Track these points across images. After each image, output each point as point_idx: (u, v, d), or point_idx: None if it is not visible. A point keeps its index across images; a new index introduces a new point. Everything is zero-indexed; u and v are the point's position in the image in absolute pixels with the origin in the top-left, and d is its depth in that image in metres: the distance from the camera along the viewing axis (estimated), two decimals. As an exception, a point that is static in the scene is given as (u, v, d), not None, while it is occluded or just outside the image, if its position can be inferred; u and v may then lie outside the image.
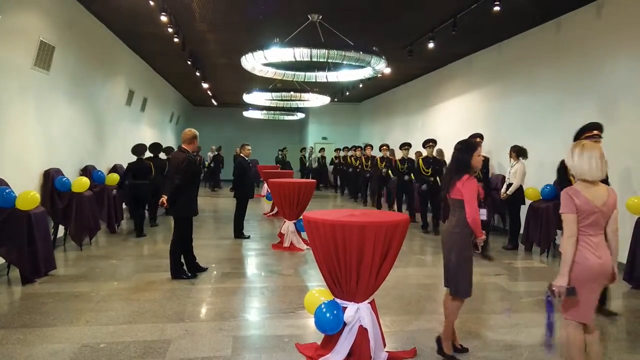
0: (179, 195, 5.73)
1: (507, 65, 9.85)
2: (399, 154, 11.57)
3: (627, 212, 5.91)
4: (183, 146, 6.01)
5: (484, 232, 3.67)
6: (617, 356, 3.87)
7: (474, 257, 3.83)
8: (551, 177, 6.54)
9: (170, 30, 8.49)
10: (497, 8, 6.90)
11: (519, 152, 7.85)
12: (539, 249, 7.52)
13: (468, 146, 3.75)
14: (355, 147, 15.91)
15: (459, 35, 8.48)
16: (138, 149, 9.07)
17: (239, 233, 8.67)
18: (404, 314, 4.77)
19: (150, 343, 3.94)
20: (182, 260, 5.99)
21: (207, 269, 6.30)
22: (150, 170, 8.96)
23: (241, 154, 9.09)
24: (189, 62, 11.33)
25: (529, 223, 7.66)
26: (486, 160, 7.58)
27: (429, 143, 9.69)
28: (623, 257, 6.01)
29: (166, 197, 5.74)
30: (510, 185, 7.87)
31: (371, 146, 14.71)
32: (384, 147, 12.70)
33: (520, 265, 7.04)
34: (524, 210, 7.90)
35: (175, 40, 9.05)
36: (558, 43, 8.27)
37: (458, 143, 3.76)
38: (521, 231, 7.98)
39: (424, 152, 9.91)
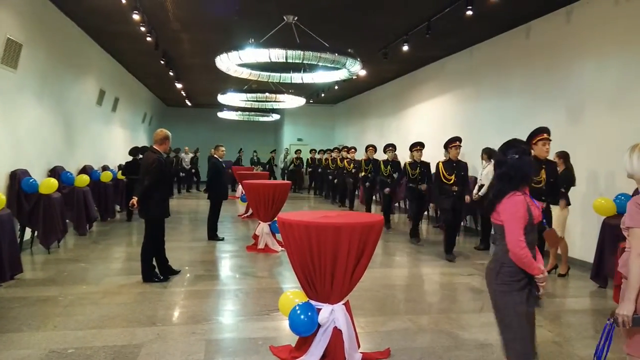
0: (150, 196, 5.63)
1: (479, 69, 10.03)
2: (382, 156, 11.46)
3: (594, 213, 6.08)
4: (154, 147, 5.90)
5: (541, 268, 2.70)
6: None
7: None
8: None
9: (142, 29, 8.36)
10: (469, 12, 7.01)
11: (490, 154, 7.99)
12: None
13: (524, 150, 2.78)
14: (342, 148, 15.26)
15: (433, 39, 8.60)
16: (132, 151, 10.74)
17: (212, 235, 8.58)
18: (379, 315, 4.79)
19: (120, 348, 3.85)
20: (154, 262, 5.89)
21: (179, 271, 6.21)
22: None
23: (215, 155, 9.00)
24: (162, 62, 11.17)
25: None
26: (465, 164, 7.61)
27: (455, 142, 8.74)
28: (590, 257, 6.19)
29: (136, 198, 5.64)
30: (482, 186, 8.01)
31: (355, 148, 13.70)
32: (390, 149, 10.61)
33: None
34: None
35: (148, 39, 8.91)
36: (528, 47, 8.46)
37: (509, 146, 2.79)
38: (492, 231, 8.12)
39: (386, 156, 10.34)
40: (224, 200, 8.82)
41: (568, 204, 6.33)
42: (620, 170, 6.44)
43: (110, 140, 13.43)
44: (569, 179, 6.33)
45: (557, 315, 4.89)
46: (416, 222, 8.78)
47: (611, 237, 5.76)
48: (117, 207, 11.47)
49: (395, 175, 10.15)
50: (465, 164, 7.59)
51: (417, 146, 9.02)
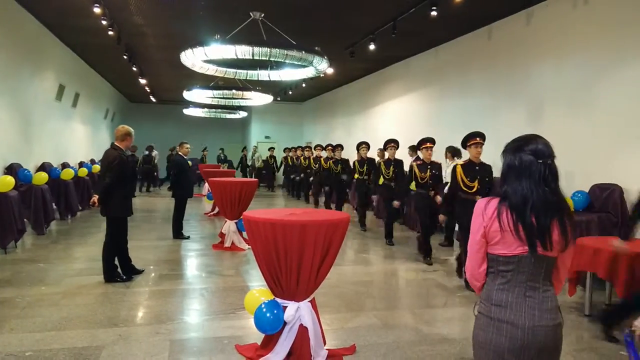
0: (111, 194, 5.50)
1: (443, 69, 10.22)
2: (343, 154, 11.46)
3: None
4: (116, 143, 5.76)
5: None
6: None
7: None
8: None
9: (104, 22, 8.13)
10: (434, 13, 7.14)
11: (453, 153, 8.16)
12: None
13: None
14: (324, 146, 13.54)
15: (399, 39, 8.70)
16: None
17: (178, 233, 8.44)
18: (345, 312, 4.83)
19: (80, 350, 3.75)
20: (116, 262, 5.76)
21: (143, 271, 6.09)
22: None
23: (179, 153, 8.84)
24: (125, 57, 10.90)
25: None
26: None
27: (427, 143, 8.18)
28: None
29: (97, 196, 5.50)
30: (446, 184, 8.15)
31: (341, 146, 11.40)
32: (391, 145, 8.97)
33: (455, 262, 7.30)
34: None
35: (110, 33, 8.68)
36: (490, 48, 8.67)
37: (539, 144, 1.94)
38: (456, 228, 8.29)
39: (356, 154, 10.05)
40: (188, 198, 8.67)
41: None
42: (577, 169, 6.71)
43: (71, 137, 13.03)
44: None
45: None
46: (427, 237, 7.21)
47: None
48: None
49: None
50: (440, 164, 7.35)
51: (392, 143, 8.52)
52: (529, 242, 1.85)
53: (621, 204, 5.94)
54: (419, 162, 7.26)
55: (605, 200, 6.14)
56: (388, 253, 7.78)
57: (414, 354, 3.83)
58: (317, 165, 12.70)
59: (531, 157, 1.88)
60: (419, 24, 8.30)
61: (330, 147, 12.20)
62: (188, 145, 8.88)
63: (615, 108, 6.16)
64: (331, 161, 11.14)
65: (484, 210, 1.95)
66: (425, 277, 6.29)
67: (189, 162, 8.98)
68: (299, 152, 16.04)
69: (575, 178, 6.63)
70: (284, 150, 18.43)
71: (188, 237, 8.45)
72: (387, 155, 8.71)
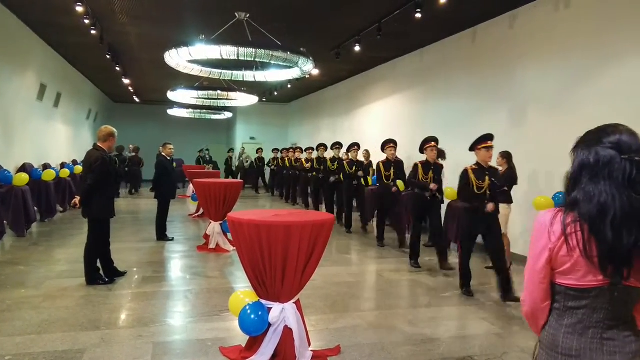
0: (93, 196, 5.42)
1: (428, 71, 10.29)
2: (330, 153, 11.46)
3: (534, 211, 6.36)
4: (98, 144, 5.69)
5: None
6: None
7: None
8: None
9: (86, 21, 8.03)
10: (418, 15, 7.18)
11: (439, 154, 8.20)
12: (457, 246, 7.90)
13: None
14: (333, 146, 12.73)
15: (384, 40, 8.74)
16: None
17: (161, 235, 8.37)
18: (329, 313, 4.83)
19: (61, 353, 3.69)
20: (99, 264, 5.68)
21: (126, 273, 6.02)
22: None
23: (163, 153, 8.74)
24: (108, 56, 10.77)
25: (447, 221, 8.03)
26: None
27: (390, 144, 8.51)
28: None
29: (79, 198, 5.42)
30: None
31: (357, 145, 10.31)
32: (390, 145, 8.65)
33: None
34: (443, 209, 8.26)
35: (93, 32, 8.57)
36: (474, 51, 8.76)
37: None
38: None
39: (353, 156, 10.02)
40: (171, 199, 8.59)
41: (510, 202, 6.60)
42: (558, 170, 6.80)
43: (53, 137, 12.83)
44: (511, 178, 6.59)
45: (500, 309, 5.09)
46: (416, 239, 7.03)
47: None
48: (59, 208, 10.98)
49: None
50: (442, 166, 7.22)
51: (391, 143, 8.24)
52: (606, 267, 1.38)
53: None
54: (422, 162, 7.04)
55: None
56: (372, 254, 7.81)
57: (399, 355, 3.84)
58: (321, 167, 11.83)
59: (612, 151, 1.41)
60: (404, 25, 8.34)
61: (336, 146, 11.12)
62: (171, 146, 8.78)
63: (596, 110, 6.26)
64: (345, 162, 10.10)
65: (550, 227, 1.46)
66: (410, 278, 6.32)
67: (174, 164, 8.92)
68: (290, 154, 15.40)
69: (556, 179, 6.72)
70: (273, 151, 18.29)
71: (172, 239, 8.38)
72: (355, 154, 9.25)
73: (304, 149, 14.54)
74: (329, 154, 11.57)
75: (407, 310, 5.02)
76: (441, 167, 7.20)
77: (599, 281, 1.41)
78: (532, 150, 7.12)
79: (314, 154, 12.67)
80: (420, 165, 7.01)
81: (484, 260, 6.93)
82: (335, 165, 10.55)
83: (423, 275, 6.42)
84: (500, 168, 6.54)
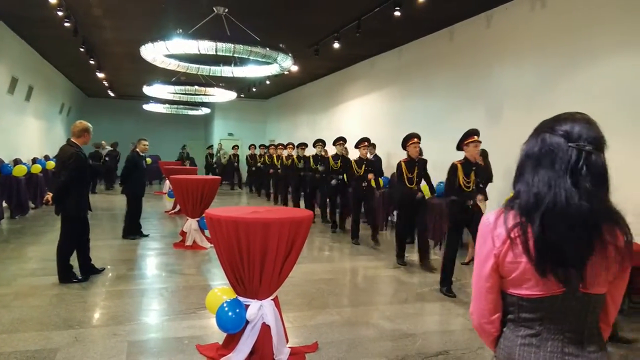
0: (66, 193, 5.30)
1: (406, 69, 10.36)
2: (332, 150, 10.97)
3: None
4: (72, 140, 5.56)
5: None
6: None
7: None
8: (444, 175, 6.96)
9: (60, 13, 7.83)
10: (397, 13, 7.23)
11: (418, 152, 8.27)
12: (433, 242, 8.00)
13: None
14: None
15: (363, 38, 8.77)
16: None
17: (130, 232, 8.13)
18: (307, 309, 4.83)
19: (34, 353, 3.61)
20: (76, 261, 5.57)
21: (103, 269, 5.94)
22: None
23: (137, 149, 8.43)
24: (82, 50, 10.54)
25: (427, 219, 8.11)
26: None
27: (364, 142, 8.57)
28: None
29: (51, 194, 5.30)
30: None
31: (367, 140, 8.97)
32: (364, 144, 8.64)
33: (415, 258, 7.43)
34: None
35: (66, 24, 8.36)
36: (451, 49, 8.85)
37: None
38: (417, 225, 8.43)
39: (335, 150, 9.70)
40: (140, 196, 8.30)
41: (486, 198, 6.69)
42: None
43: (24, 132, 12.50)
44: (487, 175, 6.70)
45: (476, 304, 5.16)
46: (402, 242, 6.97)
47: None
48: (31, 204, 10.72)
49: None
50: (425, 160, 7.11)
51: (415, 139, 7.57)
52: (543, 269, 1.22)
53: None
54: (406, 160, 6.95)
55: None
56: (350, 251, 7.84)
57: (376, 350, 3.87)
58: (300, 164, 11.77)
59: (560, 139, 1.26)
60: (383, 23, 8.37)
61: (340, 141, 10.11)
62: (146, 142, 8.53)
63: (569, 108, 6.28)
64: (353, 161, 8.86)
65: (494, 230, 1.31)
66: (387, 274, 6.37)
67: (148, 160, 8.79)
68: (271, 150, 14.73)
69: (531, 177, 6.84)
70: (257, 147, 18.11)
71: (147, 235, 8.27)
72: (335, 151, 9.02)
73: (285, 144, 13.70)
74: (324, 151, 11.05)
75: (384, 306, 5.06)
76: (425, 161, 6.99)
77: (552, 290, 1.24)
78: (508, 147, 7.18)
79: (294, 152, 12.13)
80: (403, 163, 6.82)
81: (459, 256, 7.01)
82: (339, 164, 9.27)
83: (401, 272, 6.48)
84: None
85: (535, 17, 6.98)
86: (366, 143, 8.45)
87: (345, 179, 9.10)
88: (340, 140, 9.32)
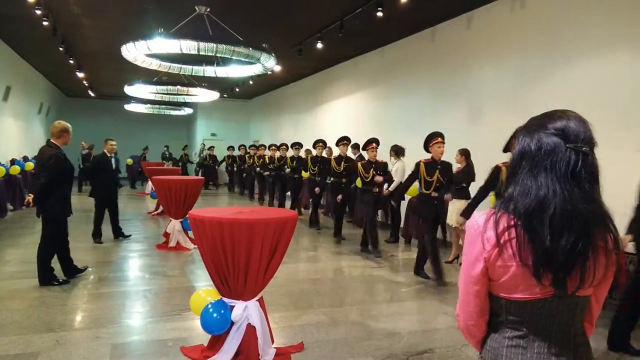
0: (47, 194, 5.21)
1: (389, 69, 10.42)
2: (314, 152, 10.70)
3: (490, 206, 6.54)
4: (52, 140, 5.47)
5: None
6: None
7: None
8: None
9: (38, 12, 7.70)
10: (380, 14, 7.27)
11: (397, 151, 8.35)
12: (417, 242, 8.06)
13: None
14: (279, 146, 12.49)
15: (346, 38, 8.79)
16: None
17: (93, 235, 7.77)
18: (292, 310, 4.83)
19: (14, 357, 3.54)
20: (60, 263, 5.49)
21: (86, 268, 5.89)
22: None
23: (104, 150, 7.89)
24: (61, 49, 10.37)
25: (408, 217, 8.18)
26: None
27: (343, 141, 8.86)
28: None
29: (32, 196, 5.21)
30: (393, 181, 8.33)
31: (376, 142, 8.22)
32: (342, 144, 8.90)
33: (400, 257, 7.49)
34: (403, 206, 8.42)
35: (45, 23, 8.22)
36: (433, 50, 8.93)
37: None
38: (401, 225, 8.50)
39: (314, 152, 9.90)
40: (104, 200, 7.75)
41: (468, 198, 6.77)
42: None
43: (2, 133, 12.25)
44: (469, 174, 6.78)
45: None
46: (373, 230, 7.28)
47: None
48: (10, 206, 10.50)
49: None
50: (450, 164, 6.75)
51: (438, 137, 7.49)
52: (540, 274, 1.20)
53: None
54: (363, 162, 7.38)
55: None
56: (335, 250, 7.85)
57: (361, 349, 3.89)
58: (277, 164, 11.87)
59: (557, 139, 1.23)
60: (365, 24, 8.40)
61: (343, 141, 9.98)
62: (114, 142, 7.98)
63: (548, 109, 6.45)
64: (360, 164, 8.08)
65: (484, 232, 1.27)
66: (371, 274, 6.40)
67: (129, 160, 8.66)
68: (272, 152, 12.97)
69: (512, 176, 6.94)
70: (228, 149, 18.04)
71: (129, 236, 8.16)
72: (321, 151, 9.06)
73: (267, 145, 13.79)
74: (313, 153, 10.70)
75: (369, 305, 5.08)
76: (450, 165, 6.35)
77: (541, 293, 1.23)
78: (489, 147, 7.31)
79: (289, 152, 11.67)
80: (423, 164, 6.06)
81: (443, 254, 7.08)
82: (342, 166, 8.64)
83: (385, 271, 6.51)
84: (459, 165, 6.74)
85: (514, 19, 7.08)
86: (374, 144, 7.61)
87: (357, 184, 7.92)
88: (344, 140, 8.76)
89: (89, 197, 7.90)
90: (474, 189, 6.89)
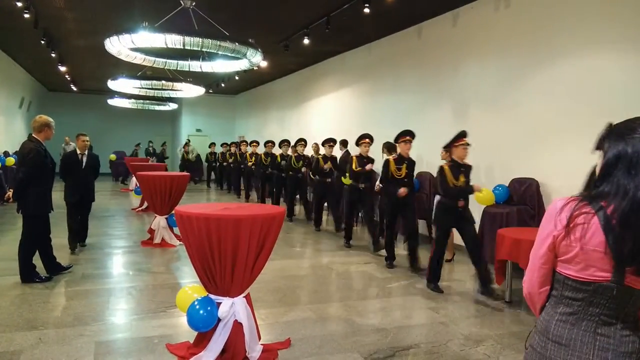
0: (26, 190, 5.11)
1: (376, 66, 10.43)
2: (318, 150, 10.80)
3: (475, 203, 6.61)
4: (33, 135, 5.37)
5: None
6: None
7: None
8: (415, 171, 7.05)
9: (19, 4, 7.55)
10: (366, 10, 7.27)
11: (389, 148, 8.37)
12: (403, 237, 8.10)
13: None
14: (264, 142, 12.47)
15: (333, 34, 8.78)
16: None
17: (73, 243, 6.82)
18: (279, 306, 4.82)
19: (-6, 357, 3.48)
20: (42, 260, 5.41)
21: (71, 266, 5.81)
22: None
23: (77, 147, 6.89)
24: (43, 42, 10.18)
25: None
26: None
27: (330, 142, 9.27)
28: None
29: (12, 191, 5.11)
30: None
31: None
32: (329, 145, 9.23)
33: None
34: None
35: (26, 16, 8.06)
36: (419, 47, 8.96)
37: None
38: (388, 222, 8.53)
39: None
40: (69, 203, 6.75)
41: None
42: (498, 164, 7.10)
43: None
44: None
45: (444, 298, 5.27)
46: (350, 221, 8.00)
47: (490, 224, 6.33)
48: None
49: None
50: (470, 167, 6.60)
51: (463, 139, 7.96)
52: (621, 267, 1.35)
53: (537, 197, 6.36)
54: (357, 155, 7.61)
55: (523, 193, 6.54)
56: (322, 247, 7.86)
57: (348, 345, 3.90)
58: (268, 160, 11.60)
59: None
60: (352, 20, 8.41)
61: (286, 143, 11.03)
62: (86, 138, 6.86)
63: (532, 107, 6.58)
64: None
65: (559, 214, 1.45)
66: (358, 270, 6.42)
67: (112, 156, 8.51)
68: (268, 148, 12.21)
69: (495, 172, 7.03)
70: (210, 146, 17.98)
71: (85, 245, 7.08)
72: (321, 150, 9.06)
73: (260, 142, 13.36)
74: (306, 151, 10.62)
75: (356, 301, 5.10)
76: (470, 167, 6.04)
77: (598, 277, 1.38)
78: (474, 144, 7.37)
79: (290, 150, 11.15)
80: (447, 168, 5.62)
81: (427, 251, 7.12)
82: (328, 166, 9.00)
83: (372, 267, 6.54)
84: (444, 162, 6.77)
85: (499, 18, 7.14)
86: (368, 140, 7.74)
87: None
88: (330, 142, 9.20)
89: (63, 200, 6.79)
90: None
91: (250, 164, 13.16)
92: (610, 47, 5.57)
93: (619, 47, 5.48)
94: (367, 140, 7.75)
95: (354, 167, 7.57)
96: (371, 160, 7.70)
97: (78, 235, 6.93)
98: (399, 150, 6.53)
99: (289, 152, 10.93)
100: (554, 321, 1.48)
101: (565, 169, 5.87)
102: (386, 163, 6.48)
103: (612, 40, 5.54)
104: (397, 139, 6.50)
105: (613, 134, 1.43)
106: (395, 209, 6.54)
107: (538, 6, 6.51)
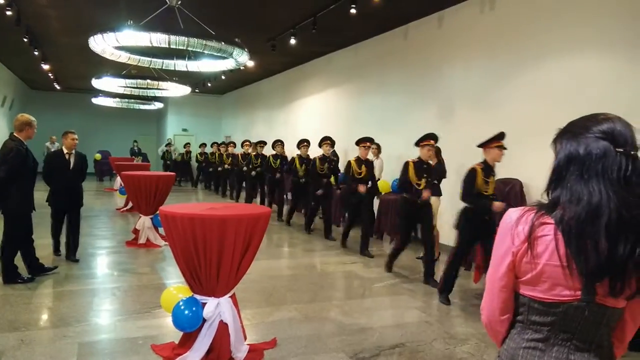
0: (8, 189, 5.04)
1: (363, 66, 10.47)
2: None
3: (461, 203, 6.66)
4: (14, 134, 5.29)
5: None
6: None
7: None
8: (399, 172, 7.09)
9: (1, 1, 7.43)
10: (353, 11, 7.29)
11: (379, 149, 8.44)
12: (389, 238, 8.15)
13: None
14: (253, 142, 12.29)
15: (319, 34, 8.78)
16: None
17: (53, 248, 6.56)
18: (265, 306, 4.82)
19: (-26, 359, 3.42)
20: (23, 261, 5.32)
21: (56, 267, 5.73)
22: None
23: (63, 145, 6.30)
24: (26, 40, 10.02)
25: (380, 214, 8.26)
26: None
27: (304, 143, 9.26)
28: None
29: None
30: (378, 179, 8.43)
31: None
32: (325, 143, 8.78)
33: (373, 253, 7.53)
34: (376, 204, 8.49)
35: (8, 13, 7.94)
36: (406, 48, 9.01)
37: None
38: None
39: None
40: (57, 207, 6.27)
41: (440, 194, 6.88)
42: (483, 164, 7.15)
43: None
44: (441, 172, 6.88)
45: (429, 297, 5.31)
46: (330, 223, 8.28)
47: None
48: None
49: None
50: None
51: (327, 140, 8.51)
52: (590, 283, 1.17)
53: (521, 197, 6.44)
54: (355, 158, 7.43)
55: (507, 194, 6.61)
56: (308, 247, 7.87)
57: (334, 345, 3.91)
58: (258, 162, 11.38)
59: (606, 143, 1.19)
60: (339, 20, 8.42)
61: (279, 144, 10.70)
62: (75, 136, 6.26)
63: (515, 108, 6.66)
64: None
65: (515, 227, 1.27)
66: (345, 270, 6.44)
67: (97, 155, 8.41)
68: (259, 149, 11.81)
69: (481, 173, 7.08)
70: (200, 146, 17.82)
71: (77, 261, 6.35)
72: (305, 151, 9.00)
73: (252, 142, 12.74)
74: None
75: (342, 301, 5.11)
76: (372, 162, 7.14)
77: (568, 296, 1.21)
78: (459, 144, 7.45)
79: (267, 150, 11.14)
80: (479, 169, 5.20)
81: (415, 251, 7.18)
82: (325, 166, 8.60)
83: (358, 267, 6.56)
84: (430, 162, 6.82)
85: (484, 19, 7.21)
86: (369, 143, 7.53)
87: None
88: (327, 141, 8.69)
89: (47, 203, 6.30)
90: (445, 185, 7.02)
91: (245, 168, 12.32)
92: (591, 48, 5.67)
93: (600, 49, 5.57)
94: (368, 143, 7.48)
95: (355, 170, 7.33)
96: (333, 161, 7.97)
97: (67, 245, 6.39)
98: (419, 154, 6.11)
99: (299, 152, 9.72)
100: (521, 349, 1.30)
101: (549, 169, 5.93)
102: (405, 168, 6.02)
103: (593, 42, 5.63)
104: (417, 143, 6.07)
105: (567, 133, 1.28)
106: (411, 218, 6.08)
107: (522, 8, 6.59)
